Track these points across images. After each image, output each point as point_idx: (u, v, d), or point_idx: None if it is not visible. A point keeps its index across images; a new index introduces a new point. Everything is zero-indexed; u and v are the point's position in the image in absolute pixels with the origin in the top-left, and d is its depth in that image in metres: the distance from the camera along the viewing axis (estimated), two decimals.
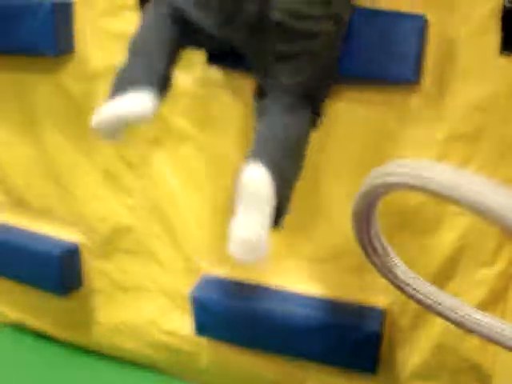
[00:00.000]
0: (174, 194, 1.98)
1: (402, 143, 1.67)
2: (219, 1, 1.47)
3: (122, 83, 1.45)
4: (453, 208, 1.66)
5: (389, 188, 0.84)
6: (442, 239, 1.70)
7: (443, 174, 0.75)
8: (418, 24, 1.55)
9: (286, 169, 1.48)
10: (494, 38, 1.53)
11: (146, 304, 2.14)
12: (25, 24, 1.90)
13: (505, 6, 1.50)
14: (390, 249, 1.00)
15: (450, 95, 1.60)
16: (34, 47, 1.92)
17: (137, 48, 1.51)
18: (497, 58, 1.54)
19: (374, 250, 0.99)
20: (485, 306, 1.71)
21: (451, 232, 1.69)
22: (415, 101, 1.64)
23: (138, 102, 1.41)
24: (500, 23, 1.52)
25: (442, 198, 0.75)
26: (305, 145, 1.55)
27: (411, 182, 0.78)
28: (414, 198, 1.68)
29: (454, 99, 1.60)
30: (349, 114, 1.70)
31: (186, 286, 2.02)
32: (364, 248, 0.99)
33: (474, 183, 0.72)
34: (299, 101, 1.53)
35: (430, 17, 1.56)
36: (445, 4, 1.55)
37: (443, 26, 1.56)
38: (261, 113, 1.56)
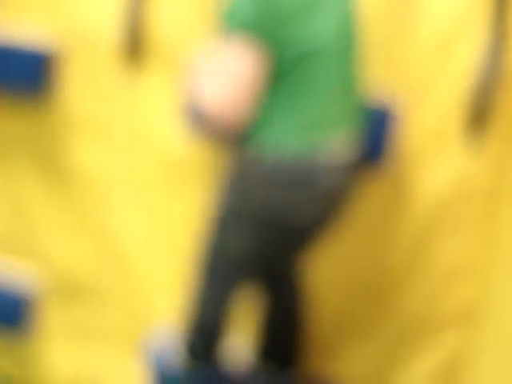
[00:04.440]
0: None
1: None
2: None
3: None
4: None
5: None
6: None
7: None
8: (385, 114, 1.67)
9: None
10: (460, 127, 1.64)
11: (98, 351, 2.14)
12: (11, 64, 1.97)
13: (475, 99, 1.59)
14: None
15: (411, 180, 1.70)
16: (17, 87, 1.98)
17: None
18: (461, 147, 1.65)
19: None
20: None
21: None
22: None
23: None
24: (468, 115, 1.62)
25: None
26: None
27: None
28: None
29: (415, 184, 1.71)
30: None
31: (139, 335, 2.03)
32: None
33: None
34: None
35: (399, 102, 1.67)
36: (415, 90, 1.66)
37: (412, 112, 1.67)
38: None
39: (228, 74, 1.40)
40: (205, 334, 1.68)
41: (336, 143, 1.53)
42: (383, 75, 1.69)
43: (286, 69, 1.44)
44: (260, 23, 1.38)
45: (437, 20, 1.65)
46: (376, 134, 1.70)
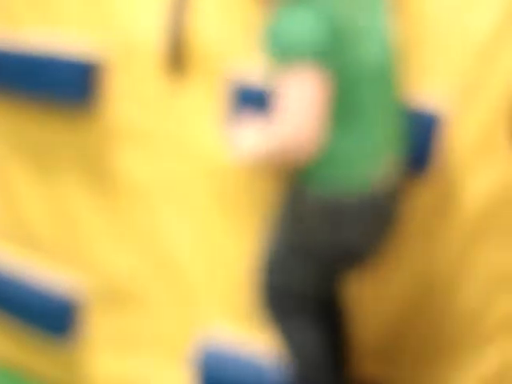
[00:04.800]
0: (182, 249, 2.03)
1: None
2: None
3: None
4: None
5: None
6: None
7: None
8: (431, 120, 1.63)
9: None
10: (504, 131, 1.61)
11: (144, 360, 2.14)
12: (56, 74, 2.02)
13: None
14: None
15: (457, 187, 1.67)
16: (62, 97, 2.02)
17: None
18: (506, 151, 1.62)
19: None
20: None
21: None
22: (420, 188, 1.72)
23: None
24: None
25: None
26: None
27: None
28: None
29: (461, 191, 1.67)
30: None
31: (186, 343, 2.04)
32: None
33: None
34: None
35: (443, 108, 1.64)
36: (459, 96, 1.64)
37: (456, 117, 1.65)
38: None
39: (303, 104, 1.35)
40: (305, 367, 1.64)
41: (387, 168, 1.54)
42: (429, 82, 1.68)
43: (340, 97, 1.42)
44: (327, 49, 1.36)
45: (481, 25, 1.63)
46: (422, 141, 1.68)
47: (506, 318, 1.69)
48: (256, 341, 1.94)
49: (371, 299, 1.81)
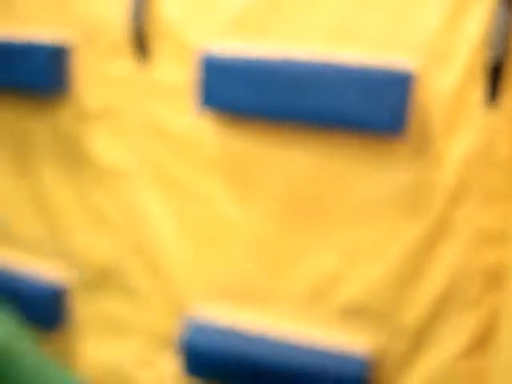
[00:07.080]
0: (163, 234, 2.00)
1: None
2: None
3: None
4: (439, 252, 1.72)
5: None
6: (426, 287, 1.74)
7: None
8: (404, 79, 1.60)
9: None
10: (480, 89, 1.59)
11: (130, 345, 2.14)
12: (24, 63, 1.98)
13: (492, 58, 1.56)
14: None
15: (435, 149, 1.65)
16: (31, 85, 2.00)
17: None
18: (482, 110, 1.60)
19: None
20: (470, 352, 1.74)
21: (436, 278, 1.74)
22: (398, 152, 1.69)
23: None
24: (487, 75, 1.58)
25: None
26: None
27: None
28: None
29: (439, 153, 1.65)
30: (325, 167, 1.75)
31: (171, 327, 2.03)
32: None
33: None
34: None
35: (416, 67, 1.62)
36: (431, 54, 1.61)
37: (429, 78, 1.62)
38: None
39: None
40: None
41: None
42: (394, 42, 1.66)
43: None
44: None
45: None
46: (397, 102, 1.65)
47: (488, 275, 1.70)
48: (243, 322, 1.93)
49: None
